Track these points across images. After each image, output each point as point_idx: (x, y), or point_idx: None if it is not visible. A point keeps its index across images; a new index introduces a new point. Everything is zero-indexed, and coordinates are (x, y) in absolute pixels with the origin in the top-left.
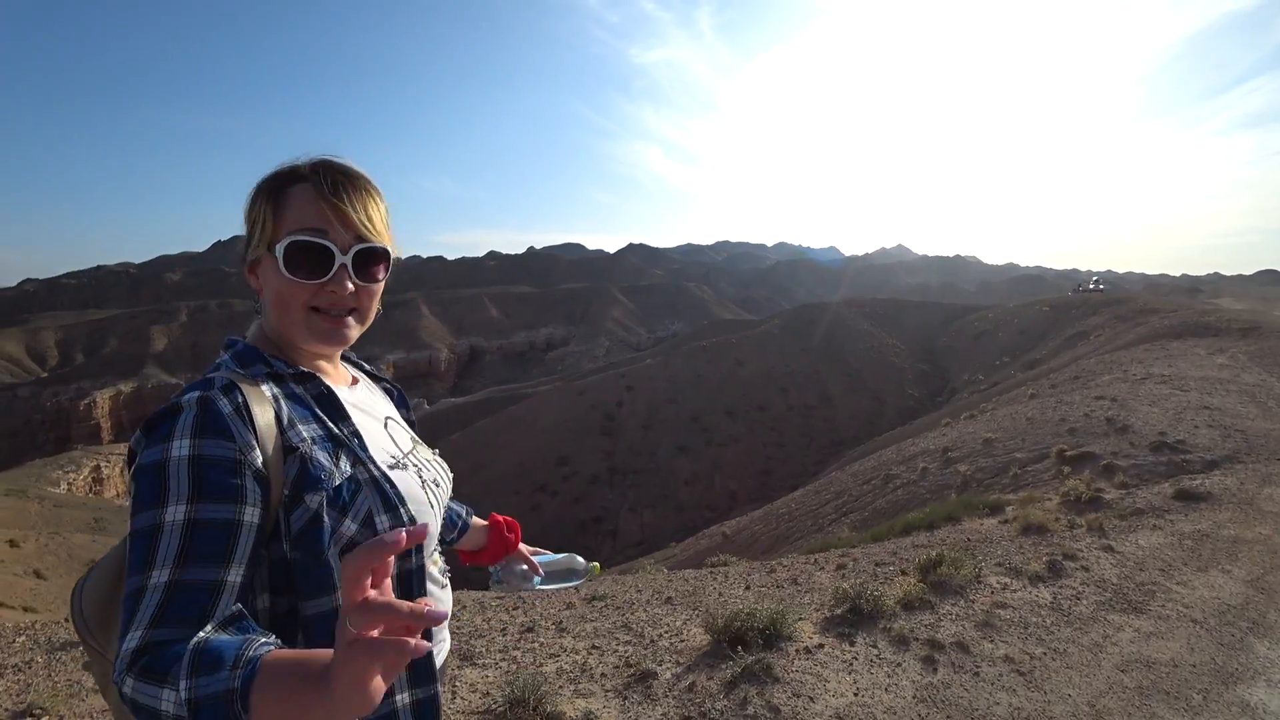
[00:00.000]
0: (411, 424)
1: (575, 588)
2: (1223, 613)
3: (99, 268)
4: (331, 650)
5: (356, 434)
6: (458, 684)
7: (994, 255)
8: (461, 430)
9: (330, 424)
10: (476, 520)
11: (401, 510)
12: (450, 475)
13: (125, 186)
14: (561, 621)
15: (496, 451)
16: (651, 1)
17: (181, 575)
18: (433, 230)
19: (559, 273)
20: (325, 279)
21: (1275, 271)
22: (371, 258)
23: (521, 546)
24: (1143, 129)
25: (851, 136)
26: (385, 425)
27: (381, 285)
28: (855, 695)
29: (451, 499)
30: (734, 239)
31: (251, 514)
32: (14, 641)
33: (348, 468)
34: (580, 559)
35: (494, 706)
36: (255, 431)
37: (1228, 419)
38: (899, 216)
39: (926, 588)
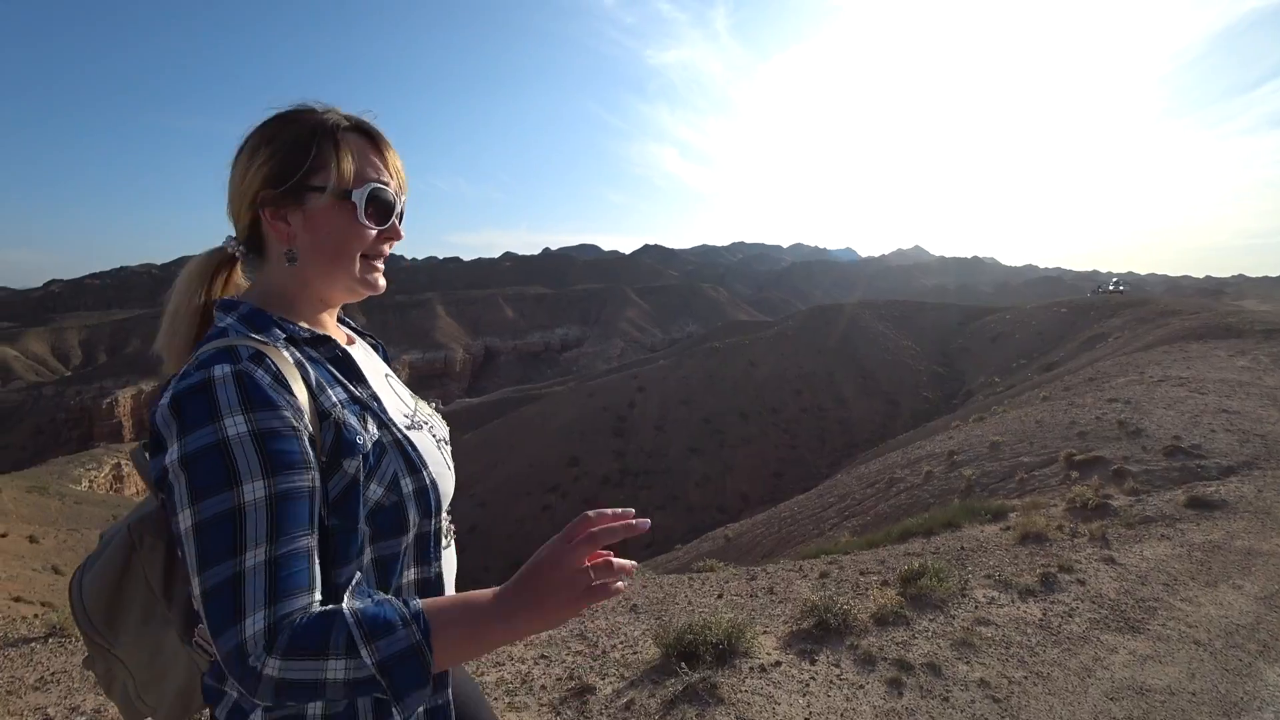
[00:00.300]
0: (395, 375)
1: None
2: (1230, 634)
3: (122, 268)
4: (484, 598)
5: (375, 396)
6: None
7: (1012, 257)
8: (474, 430)
9: (351, 387)
10: None
11: (424, 472)
12: (447, 428)
13: (147, 189)
14: None
15: (508, 452)
16: (667, 2)
17: (279, 550)
18: (449, 231)
19: (574, 274)
20: (387, 226)
21: None
22: (404, 209)
23: None
24: (1164, 128)
25: (869, 136)
26: (388, 381)
27: None
28: None
29: None
30: (750, 240)
31: (316, 479)
32: None
33: (374, 430)
34: None
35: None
36: (296, 398)
37: (1247, 423)
38: (916, 217)
39: (904, 601)
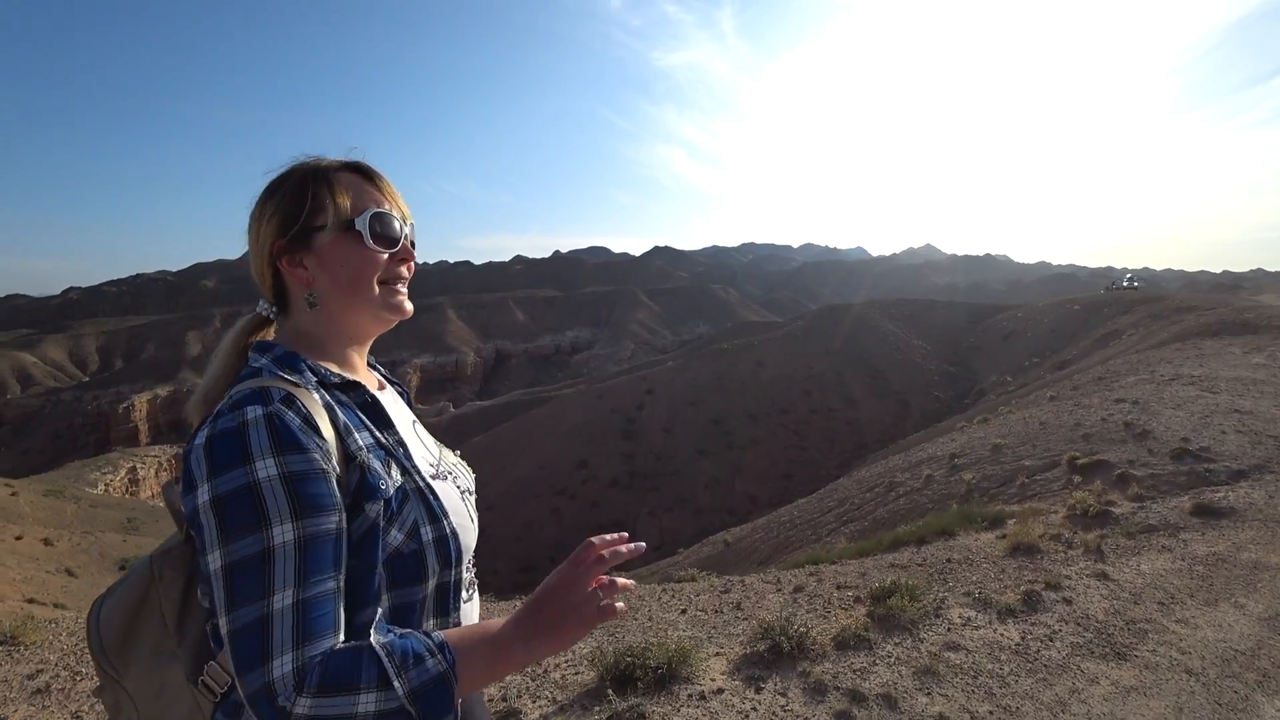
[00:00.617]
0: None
1: None
2: (1227, 661)
3: (138, 276)
4: (504, 625)
5: (401, 443)
6: None
7: (1025, 254)
8: (484, 433)
9: (377, 432)
10: None
11: (445, 522)
12: (473, 477)
13: (164, 198)
14: None
15: (517, 455)
16: (673, 4)
17: (307, 593)
18: (460, 235)
19: (584, 276)
20: (397, 249)
21: None
22: (414, 234)
23: None
24: (1177, 122)
25: (878, 134)
26: (415, 429)
27: None
28: None
29: None
30: (759, 240)
31: (343, 521)
32: None
33: (398, 477)
34: None
35: None
36: (325, 441)
37: (1260, 423)
38: (927, 215)
39: (870, 622)
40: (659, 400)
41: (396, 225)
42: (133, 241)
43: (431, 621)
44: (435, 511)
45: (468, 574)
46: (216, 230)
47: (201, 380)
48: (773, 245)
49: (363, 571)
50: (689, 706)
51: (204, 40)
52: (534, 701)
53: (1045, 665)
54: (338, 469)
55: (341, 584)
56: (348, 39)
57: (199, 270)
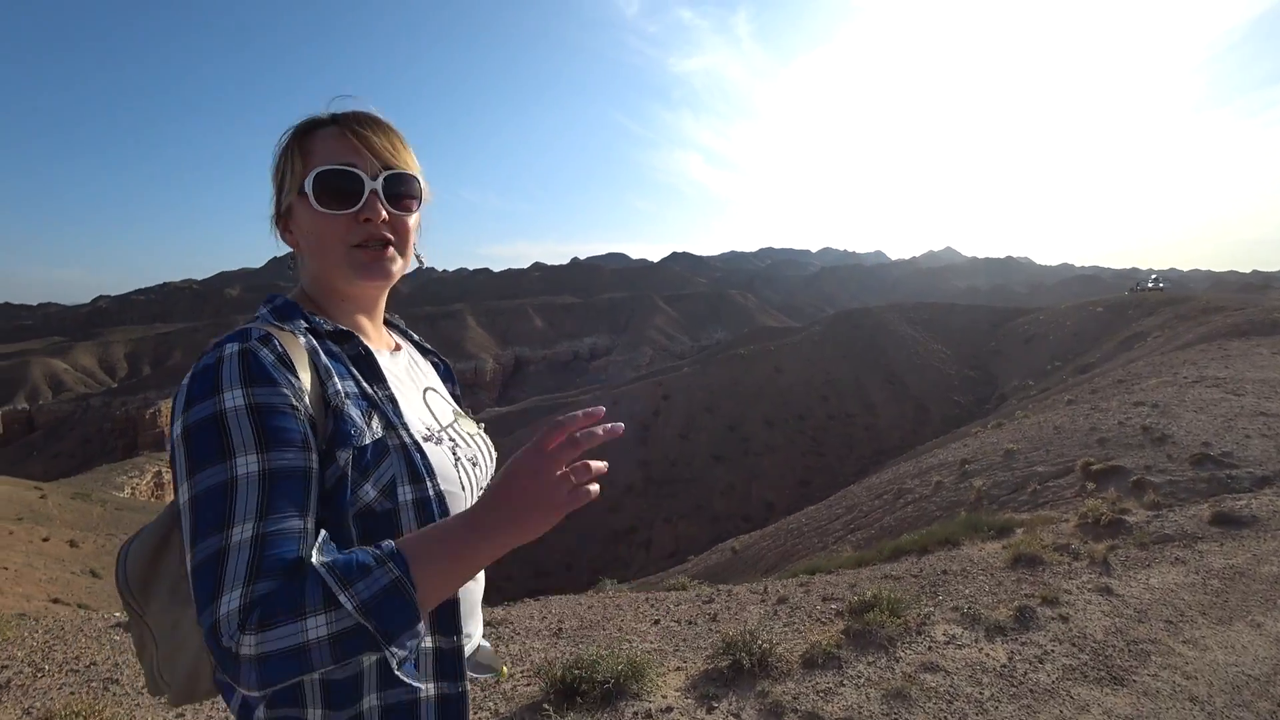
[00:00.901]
0: (458, 399)
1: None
2: (1237, 688)
3: (165, 284)
4: (457, 519)
5: (391, 398)
6: None
7: (1047, 256)
8: (500, 439)
9: (364, 383)
10: None
11: (428, 483)
12: (493, 454)
13: (190, 209)
14: None
15: None
16: (689, 10)
17: (267, 527)
18: (478, 243)
19: (602, 282)
20: (357, 207)
21: None
22: (401, 184)
23: None
24: (1202, 119)
25: (896, 136)
26: (424, 395)
27: (416, 216)
28: None
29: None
30: (778, 245)
31: (315, 461)
32: None
33: (379, 429)
34: (488, 649)
35: None
36: (299, 380)
37: None
38: (947, 218)
39: (845, 639)
40: (675, 406)
41: (355, 180)
42: (160, 251)
43: None
44: (419, 471)
45: None
46: (241, 239)
47: None
48: (791, 250)
49: (331, 524)
50: None
51: (216, 51)
52: (476, 713)
53: (1031, 690)
54: (311, 409)
55: (310, 526)
56: (369, 49)
57: (223, 279)
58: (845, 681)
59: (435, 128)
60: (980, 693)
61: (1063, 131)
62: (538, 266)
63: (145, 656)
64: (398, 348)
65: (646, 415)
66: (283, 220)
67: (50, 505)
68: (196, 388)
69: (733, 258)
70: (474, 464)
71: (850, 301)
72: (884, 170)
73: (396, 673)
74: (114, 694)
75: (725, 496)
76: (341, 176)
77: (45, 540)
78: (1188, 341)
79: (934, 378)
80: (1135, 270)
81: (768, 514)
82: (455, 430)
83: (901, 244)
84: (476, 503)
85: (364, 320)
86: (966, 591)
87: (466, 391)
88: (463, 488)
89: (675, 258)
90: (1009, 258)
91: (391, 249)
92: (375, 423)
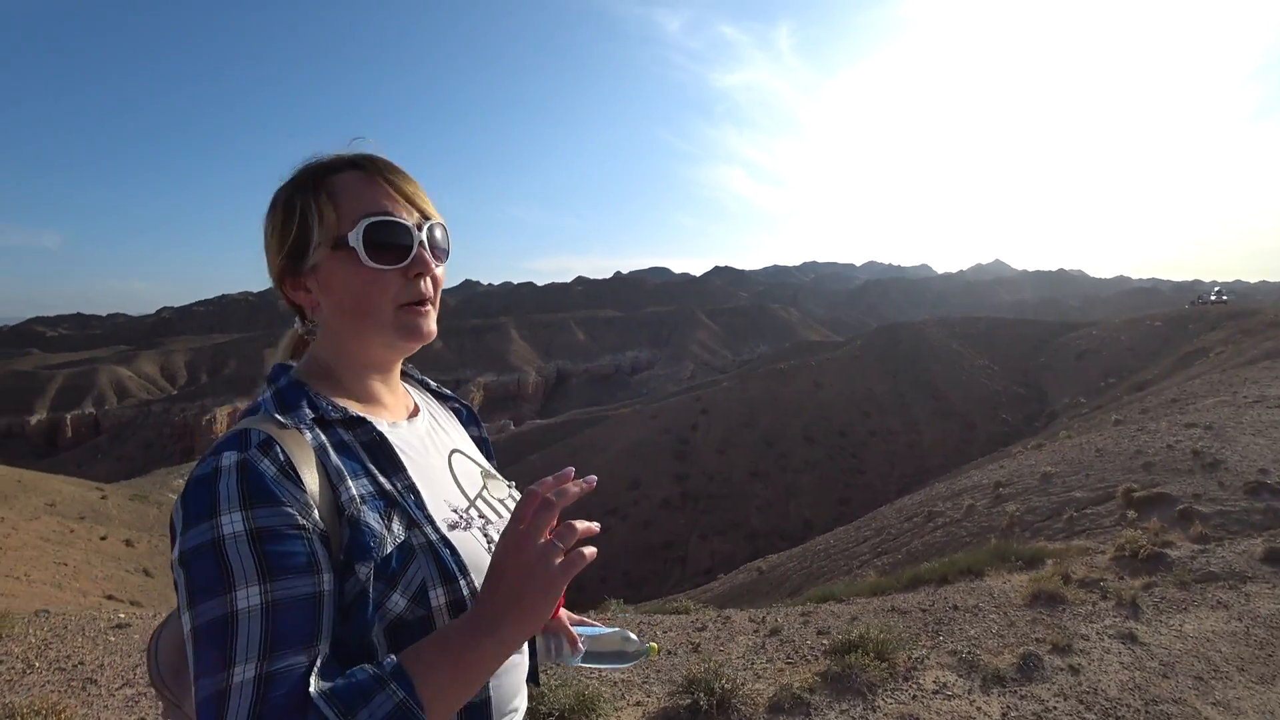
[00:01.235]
0: (484, 442)
1: (624, 669)
2: None
3: (223, 296)
4: (458, 621)
5: (412, 488)
6: None
7: (1102, 268)
8: (541, 452)
9: (381, 478)
10: None
11: (461, 582)
12: None
13: (248, 224)
14: None
15: None
16: (730, 25)
17: (271, 666)
18: (524, 257)
19: (644, 296)
20: (407, 262)
21: None
22: (441, 236)
23: (563, 614)
24: (1261, 126)
25: (944, 148)
26: (450, 462)
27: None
28: None
29: None
30: (822, 259)
31: (329, 580)
32: None
33: (400, 531)
34: (634, 638)
35: None
36: (305, 491)
37: None
38: (996, 231)
39: (821, 680)
40: (713, 420)
41: (405, 232)
42: (220, 264)
43: None
44: (449, 570)
45: None
46: None
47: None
48: (835, 264)
49: (352, 641)
50: None
51: (268, 76)
52: None
53: None
54: (322, 523)
55: (319, 655)
56: (427, 72)
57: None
58: None
59: (483, 146)
60: None
61: (1118, 141)
62: (581, 280)
63: None
64: (415, 410)
65: (684, 429)
66: (295, 275)
67: (110, 505)
68: (193, 504)
69: (776, 272)
70: None
71: (894, 315)
72: (930, 182)
73: None
74: (89, 693)
75: (762, 513)
76: (392, 229)
77: (103, 539)
78: (1252, 358)
79: (980, 394)
80: (1197, 282)
81: (806, 532)
82: (485, 501)
83: (948, 257)
84: (476, 600)
85: (380, 388)
86: (971, 632)
87: (509, 404)
88: None
89: (718, 272)
90: (1061, 270)
91: (428, 305)
92: (396, 524)
